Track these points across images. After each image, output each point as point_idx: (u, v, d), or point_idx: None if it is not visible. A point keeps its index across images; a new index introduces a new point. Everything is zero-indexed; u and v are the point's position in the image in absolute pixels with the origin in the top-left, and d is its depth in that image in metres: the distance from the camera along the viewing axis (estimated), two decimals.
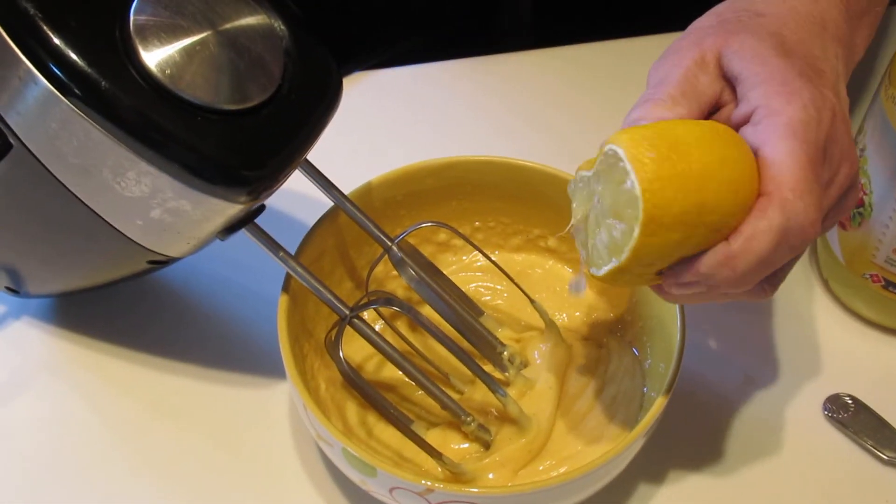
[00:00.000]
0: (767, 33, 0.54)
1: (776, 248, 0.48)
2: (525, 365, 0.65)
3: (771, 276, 0.52)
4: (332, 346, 0.59)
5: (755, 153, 0.50)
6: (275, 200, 0.57)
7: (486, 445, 0.62)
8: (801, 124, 0.50)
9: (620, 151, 0.48)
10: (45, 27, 0.48)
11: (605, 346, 0.68)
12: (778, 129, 0.50)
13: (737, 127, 0.52)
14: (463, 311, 0.65)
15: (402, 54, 0.94)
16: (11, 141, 0.52)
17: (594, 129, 0.87)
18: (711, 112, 0.54)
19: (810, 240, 0.50)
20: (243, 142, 0.52)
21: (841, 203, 0.54)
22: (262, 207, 0.58)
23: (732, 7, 0.57)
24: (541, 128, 0.88)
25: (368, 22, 0.96)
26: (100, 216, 0.54)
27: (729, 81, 0.54)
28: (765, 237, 0.48)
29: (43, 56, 0.48)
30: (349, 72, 0.91)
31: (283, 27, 0.56)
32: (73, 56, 0.48)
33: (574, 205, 0.54)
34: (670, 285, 0.51)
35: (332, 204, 0.64)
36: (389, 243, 0.63)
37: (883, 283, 0.70)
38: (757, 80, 0.52)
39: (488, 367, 0.64)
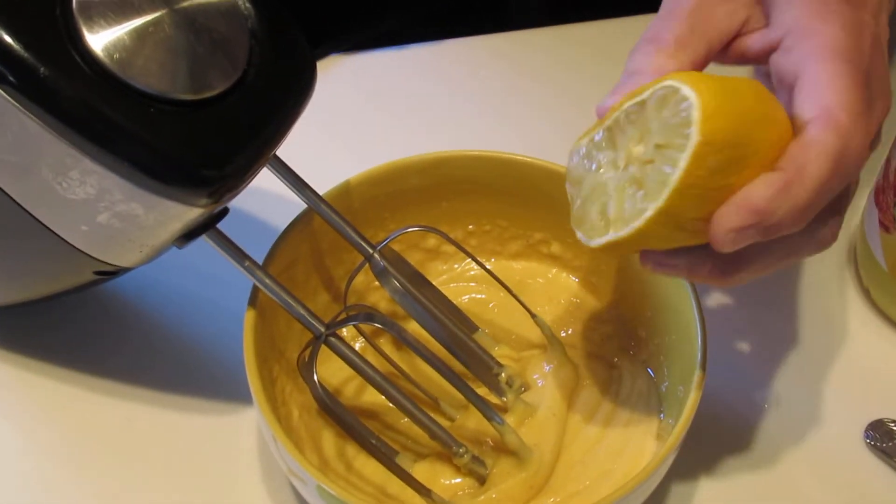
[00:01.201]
0: None
1: (834, 173, 0.48)
2: (525, 388, 0.65)
3: (830, 213, 0.52)
4: (306, 367, 0.59)
5: (793, 81, 0.51)
6: (240, 202, 0.57)
7: (482, 480, 0.62)
8: (843, 46, 0.50)
9: (683, 87, 0.48)
10: None
11: (617, 367, 0.68)
12: (819, 51, 0.50)
13: (761, 53, 0.53)
14: (454, 327, 0.65)
15: (385, 34, 0.94)
16: None
17: None
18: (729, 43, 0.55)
19: (862, 167, 0.50)
20: (203, 136, 0.52)
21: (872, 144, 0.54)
22: (226, 211, 0.57)
23: None
24: (544, 118, 0.88)
25: None
26: (39, 221, 0.54)
27: (761, 4, 0.54)
28: (822, 160, 0.48)
29: None
30: (324, 55, 0.91)
31: (248, 5, 0.56)
32: (7, 38, 0.47)
33: (584, 176, 0.54)
34: (723, 232, 0.48)
35: (305, 206, 0.64)
36: (371, 251, 0.63)
37: None
38: (792, 2, 0.52)
39: (483, 391, 0.64)
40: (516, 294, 0.66)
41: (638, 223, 0.49)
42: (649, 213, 0.48)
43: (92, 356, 0.71)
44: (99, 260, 0.56)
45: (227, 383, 0.70)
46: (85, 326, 0.73)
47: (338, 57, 0.91)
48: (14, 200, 0.53)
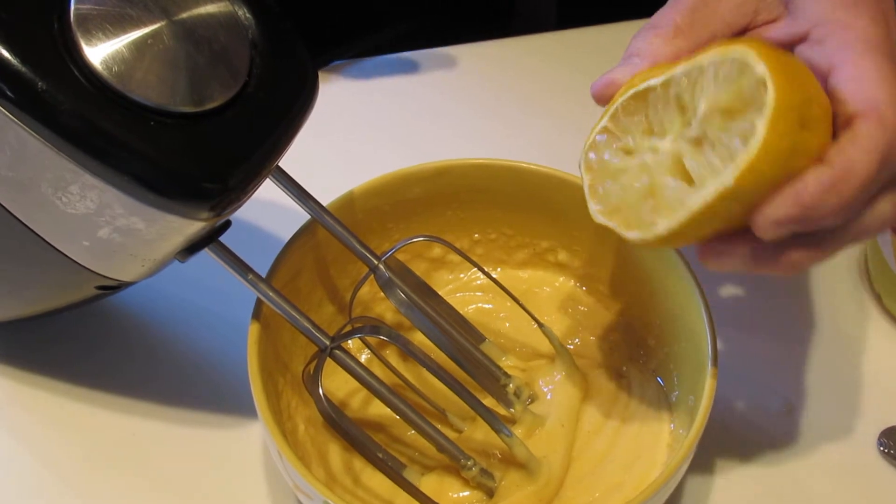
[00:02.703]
0: None
1: (881, 168, 0.48)
2: (533, 399, 0.65)
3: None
4: (311, 380, 0.58)
5: (827, 74, 0.51)
6: (243, 215, 0.57)
7: (490, 493, 0.62)
8: (876, 39, 0.50)
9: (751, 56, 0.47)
10: None
11: (626, 376, 0.68)
12: (854, 45, 0.50)
13: (784, 45, 0.53)
14: (461, 338, 0.64)
15: (387, 41, 0.93)
16: None
17: None
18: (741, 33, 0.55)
19: (868, 183, 0.49)
20: (204, 149, 0.52)
21: None
22: (228, 223, 0.57)
23: None
24: (549, 125, 0.88)
25: (349, 4, 0.96)
26: (39, 236, 0.54)
27: None
28: (869, 156, 0.48)
29: None
30: (326, 63, 0.91)
31: (248, 15, 0.56)
32: (4, 52, 0.47)
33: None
34: (768, 222, 0.48)
35: (308, 217, 0.64)
36: (375, 261, 0.63)
37: None
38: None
39: (490, 402, 0.64)
40: (523, 303, 0.66)
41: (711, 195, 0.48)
42: (710, 193, 0.47)
43: (95, 370, 0.71)
44: (100, 275, 0.56)
45: (231, 397, 0.70)
46: (88, 341, 0.73)
47: (340, 65, 0.91)
48: (14, 216, 0.53)
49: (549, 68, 0.92)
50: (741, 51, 0.48)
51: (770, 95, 0.46)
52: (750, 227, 0.49)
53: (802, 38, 0.53)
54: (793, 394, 0.71)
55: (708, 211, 0.48)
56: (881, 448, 0.68)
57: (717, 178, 0.47)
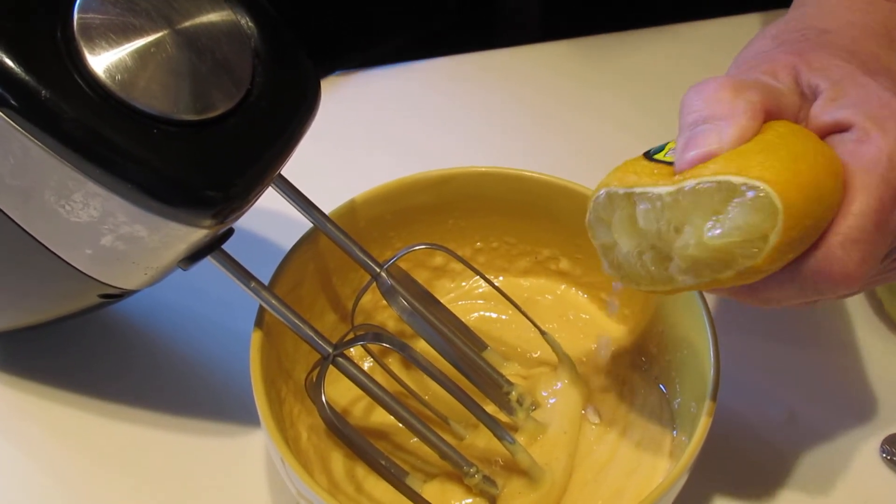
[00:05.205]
0: (842, 50, 0.54)
1: (799, 292, 0.51)
2: (535, 406, 0.65)
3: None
4: (314, 388, 0.58)
5: None
6: (245, 223, 0.57)
7: (493, 500, 0.61)
8: (888, 160, 0.50)
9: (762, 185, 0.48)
10: None
11: (628, 384, 0.68)
12: (862, 160, 0.50)
13: (819, 132, 0.53)
14: (463, 346, 0.64)
15: (389, 51, 0.93)
16: None
17: (614, 134, 0.87)
18: None
19: (841, 291, 0.50)
20: (207, 157, 0.52)
21: None
22: (231, 231, 0.57)
23: (788, 28, 0.58)
24: (551, 134, 0.88)
25: (351, 15, 0.96)
26: (42, 244, 0.54)
27: (808, 98, 0.54)
28: (788, 278, 0.50)
29: None
30: (329, 72, 0.91)
31: (251, 24, 0.56)
32: (8, 61, 0.47)
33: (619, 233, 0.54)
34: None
35: (311, 225, 0.64)
36: (378, 269, 0.63)
37: None
38: (852, 99, 0.52)
39: (493, 410, 0.63)
40: (525, 311, 0.66)
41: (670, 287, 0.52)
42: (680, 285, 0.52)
43: (97, 379, 0.71)
44: (103, 283, 0.56)
45: (233, 405, 0.70)
46: (90, 349, 0.73)
47: (343, 75, 0.91)
48: (17, 224, 0.53)
49: (552, 78, 0.92)
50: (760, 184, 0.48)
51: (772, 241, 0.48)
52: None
53: (836, 129, 0.52)
54: (795, 401, 0.70)
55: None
56: (884, 455, 0.68)
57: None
